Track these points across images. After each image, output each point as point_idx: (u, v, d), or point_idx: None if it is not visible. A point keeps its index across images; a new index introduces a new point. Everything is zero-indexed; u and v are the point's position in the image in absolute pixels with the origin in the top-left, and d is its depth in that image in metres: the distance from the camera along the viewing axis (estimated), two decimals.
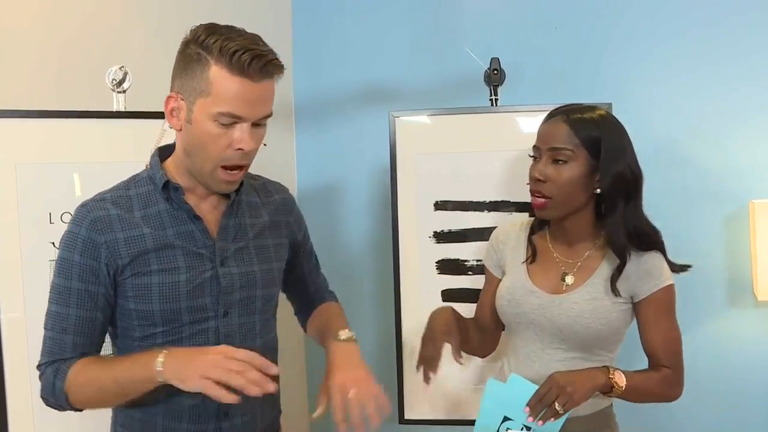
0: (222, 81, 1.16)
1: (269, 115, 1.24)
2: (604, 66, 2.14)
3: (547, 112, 1.50)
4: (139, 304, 1.26)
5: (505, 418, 1.38)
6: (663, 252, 1.49)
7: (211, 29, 1.19)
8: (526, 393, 1.35)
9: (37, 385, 1.56)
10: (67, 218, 1.60)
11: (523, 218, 1.69)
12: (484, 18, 2.25)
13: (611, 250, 1.45)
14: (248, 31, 1.23)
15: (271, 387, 1.11)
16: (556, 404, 1.32)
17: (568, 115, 1.44)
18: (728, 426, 2.15)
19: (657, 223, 2.13)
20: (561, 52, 2.17)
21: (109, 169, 1.64)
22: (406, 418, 1.96)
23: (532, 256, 1.54)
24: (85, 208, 1.27)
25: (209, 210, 1.32)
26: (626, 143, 1.47)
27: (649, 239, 1.47)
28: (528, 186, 1.48)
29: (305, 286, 1.57)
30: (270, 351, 1.38)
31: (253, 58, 1.15)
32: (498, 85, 1.92)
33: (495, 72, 1.91)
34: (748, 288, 2.04)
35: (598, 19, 2.14)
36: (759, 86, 2.02)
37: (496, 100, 1.93)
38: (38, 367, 1.27)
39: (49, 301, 1.26)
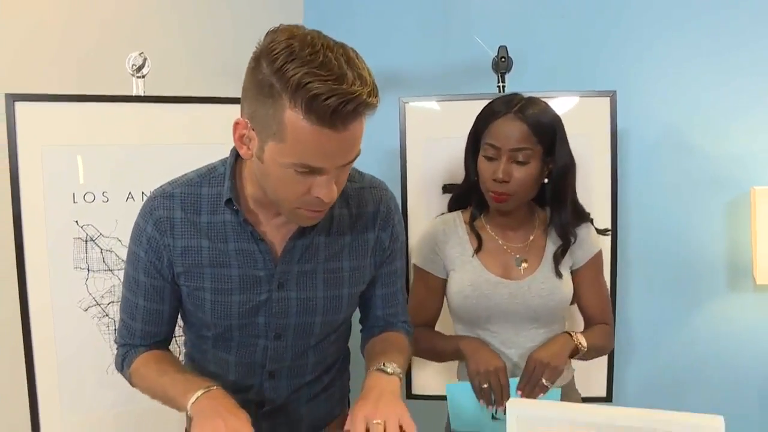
0: (298, 130, 0.97)
1: (357, 155, 1.06)
2: (608, 54, 2.17)
3: (489, 103, 1.50)
4: (194, 309, 1.23)
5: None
6: (591, 221, 1.59)
7: (291, 50, 0.96)
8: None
9: (64, 366, 1.65)
10: (90, 198, 1.67)
11: (446, 215, 1.65)
12: (491, 6, 2.28)
13: (555, 232, 1.53)
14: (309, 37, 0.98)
15: None
16: (544, 380, 1.39)
17: (522, 112, 1.43)
18: (725, 408, 2.20)
19: (659, 208, 2.19)
20: (566, 41, 2.20)
21: (129, 151, 1.71)
22: (413, 393, 2.04)
23: (479, 247, 1.54)
24: (154, 202, 1.19)
25: (277, 227, 1.19)
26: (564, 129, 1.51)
27: (582, 213, 1.56)
28: None
29: (373, 309, 1.36)
30: (324, 366, 1.34)
31: (339, 103, 0.94)
32: (506, 73, 1.97)
33: (503, 60, 1.95)
34: (748, 272, 2.08)
35: (603, 8, 2.17)
36: (761, 73, 2.05)
37: (504, 86, 1.97)
38: (115, 340, 1.31)
39: (122, 284, 1.26)
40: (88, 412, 1.67)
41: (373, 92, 0.99)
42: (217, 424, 1.01)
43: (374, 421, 1.06)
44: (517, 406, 1.08)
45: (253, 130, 1.03)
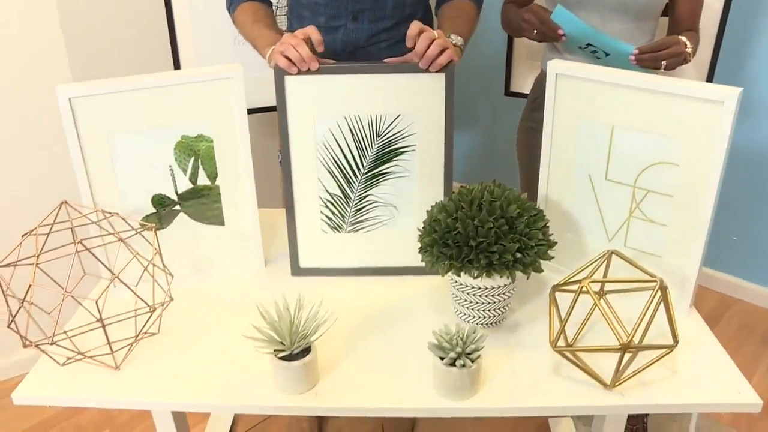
0: None
1: None
2: None
3: None
4: None
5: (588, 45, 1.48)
6: None
7: None
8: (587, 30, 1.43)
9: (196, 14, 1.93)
10: None
11: None
12: None
13: None
14: None
15: (313, 66, 1.21)
16: (665, 61, 1.41)
17: None
18: None
19: None
20: None
21: None
22: (510, 90, 2.19)
23: None
24: None
25: None
26: None
27: None
28: None
29: None
30: (403, 15, 1.51)
31: None
32: None
33: None
34: None
35: None
36: None
37: None
38: None
39: None
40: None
41: None
42: (285, 39, 1.24)
43: (427, 33, 1.22)
44: (557, 65, 1.21)
45: None
